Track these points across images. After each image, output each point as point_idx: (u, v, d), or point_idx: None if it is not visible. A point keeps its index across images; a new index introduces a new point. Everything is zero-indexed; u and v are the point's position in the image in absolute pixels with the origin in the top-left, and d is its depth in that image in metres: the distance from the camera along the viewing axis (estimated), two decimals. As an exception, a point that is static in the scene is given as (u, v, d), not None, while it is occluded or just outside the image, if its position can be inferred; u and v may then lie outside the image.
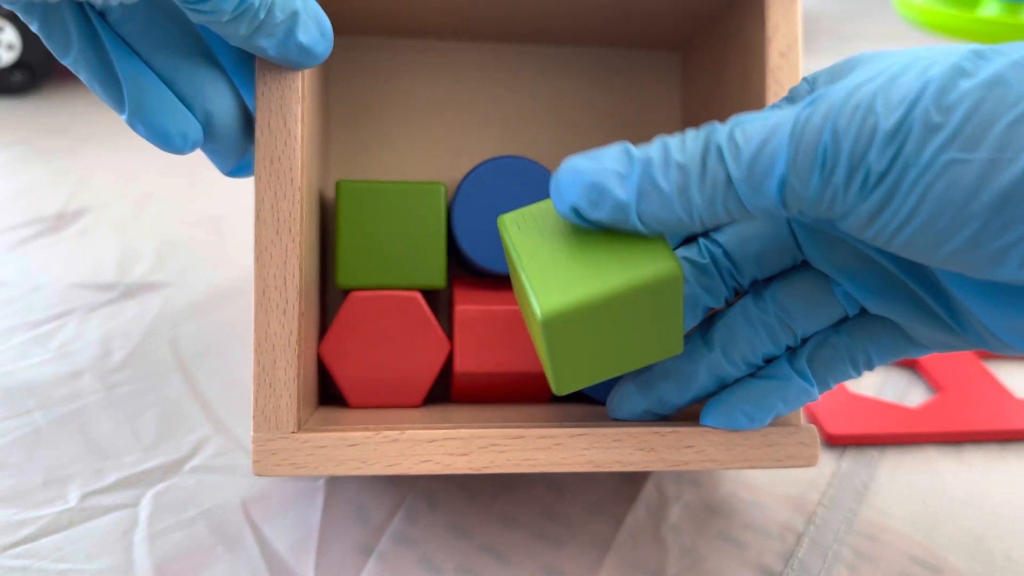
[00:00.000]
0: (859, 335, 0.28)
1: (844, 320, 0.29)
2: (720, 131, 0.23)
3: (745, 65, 0.33)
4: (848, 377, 0.29)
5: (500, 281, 0.36)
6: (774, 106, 0.25)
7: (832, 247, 0.27)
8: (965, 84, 0.20)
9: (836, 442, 0.40)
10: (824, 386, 0.29)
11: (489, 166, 0.35)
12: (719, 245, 0.29)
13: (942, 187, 0.20)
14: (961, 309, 0.25)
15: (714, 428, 0.29)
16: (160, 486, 0.35)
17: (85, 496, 0.35)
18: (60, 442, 0.37)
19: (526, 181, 0.34)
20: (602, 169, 0.24)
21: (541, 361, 0.28)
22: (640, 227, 0.24)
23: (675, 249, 0.29)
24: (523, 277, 0.25)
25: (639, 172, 0.23)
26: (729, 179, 0.22)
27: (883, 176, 0.21)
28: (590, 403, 0.36)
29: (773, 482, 0.37)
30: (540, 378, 0.34)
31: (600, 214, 0.24)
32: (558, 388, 0.27)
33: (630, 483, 0.37)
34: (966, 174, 0.20)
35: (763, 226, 0.29)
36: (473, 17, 0.36)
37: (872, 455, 0.39)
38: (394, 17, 0.37)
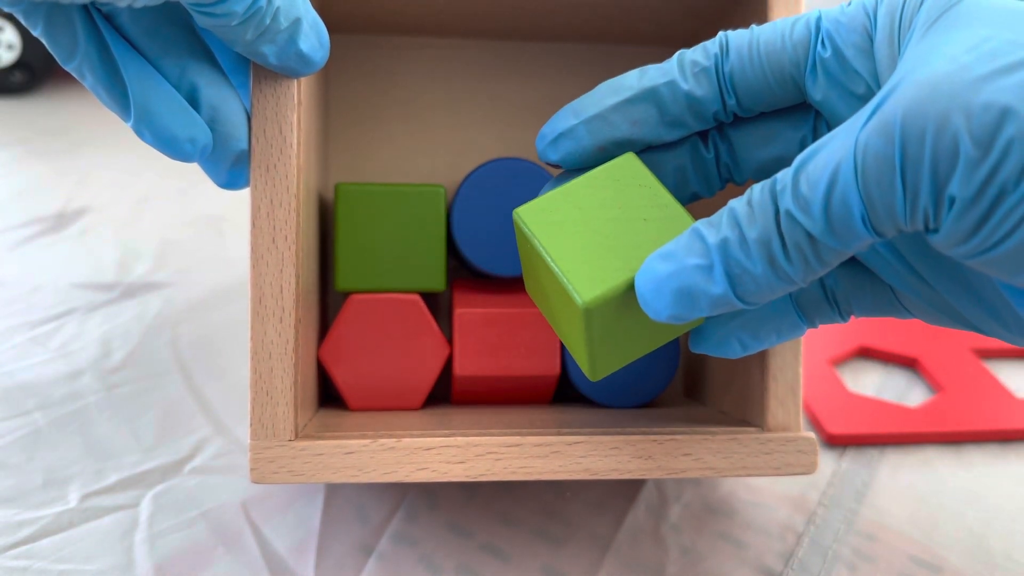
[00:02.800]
0: (845, 283, 0.27)
1: None
2: (783, 186, 0.21)
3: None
4: (833, 321, 0.28)
5: (500, 283, 0.36)
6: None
7: None
8: None
9: (836, 442, 0.40)
10: (811, 324, 0.27)
11: (488, 168, 0.34)
12: (729, 141, 0.27)
13: None
14: (995, 297, 0.23)
15: (713, 434, 0.29)
16: (160, 487, 0.35)
17: (85, 497, 0.35)
18: (60, 442, 0.37)
19: (526, 183, 0.34)
20: (682, 269, 0.22)
21: (571, 350, 0.28)
22: (744, 307, 0.22)
23: (686, 137, 0.28)
24: (555, 268, 0.25)
25: (720, 260, 0.22)
26: (811, 236, 0.21)
27: (972, 203, 0.18)
28: (591, 406, 0.36)
29: (773, 482, 0.37)
30: (540, 380, 0.34)
31: (702, 312, 0.22)
32: (593, 375, 0.27)
33: (630, 482, 0.37)
34: None
35: (781, 132, 0.27)
36: (474, 14, 0.36)
37: (872, 455, 0.39)
38: (394, 15, 0.37)
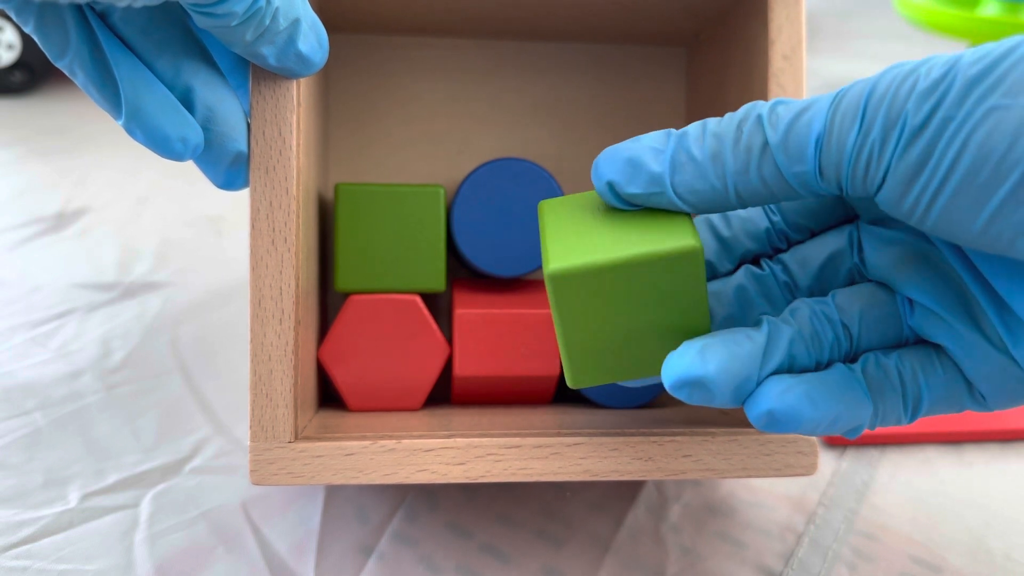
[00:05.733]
0: (913, 360, 0.25)
1: (901, 346, 0.26)
2: (762, 104, 0.23)
3: (748, 66, 0.33)
4: (897, 416, 0.25)
5: (500, 284, 0.36)
6: None
7: (890, 245, 0.26)
8: (1010, 43, 0.20)
9: (836, 442, 0.40)
10: (875, 408, 0.25)
11: (488, 168, 0.34)
12: (780, 262, 0.27)
13: (983, 135, 0.20)
14: (1017, 325, 0.23)
15: (713, 435, 0.29)
16: (160, 487, 0.35)
17: (85, 497, 0.35)
18: (60, 442, 0.37)
19: (526, 183, 0.34)
20: (640, 147, 0.24)
21: (560, 352, 0.26)
22: (675, 200, 0.24)
23: (735, 268, 0.28)
24: (544, 244, 0.24)
25: (674, 144, 0.24)
26: (765, 144, 0.22)
27: (921, 129, 0.21)
28: (590, 407, 0.36)
29: (773, 482, 0.37)
30: (540, 381, 0.34)
31: (634, 188, 0.24)
32: (573, 380, 0.26)
33: (630, 483, 0.37)
34: (1009, 119, 0.19)
35: (823, 244, 0.27)
36: (474, 14, 0.36)
37: (872, 455, 0.39)
38: (394, 15, 0.36)
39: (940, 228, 0.22)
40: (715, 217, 0.27)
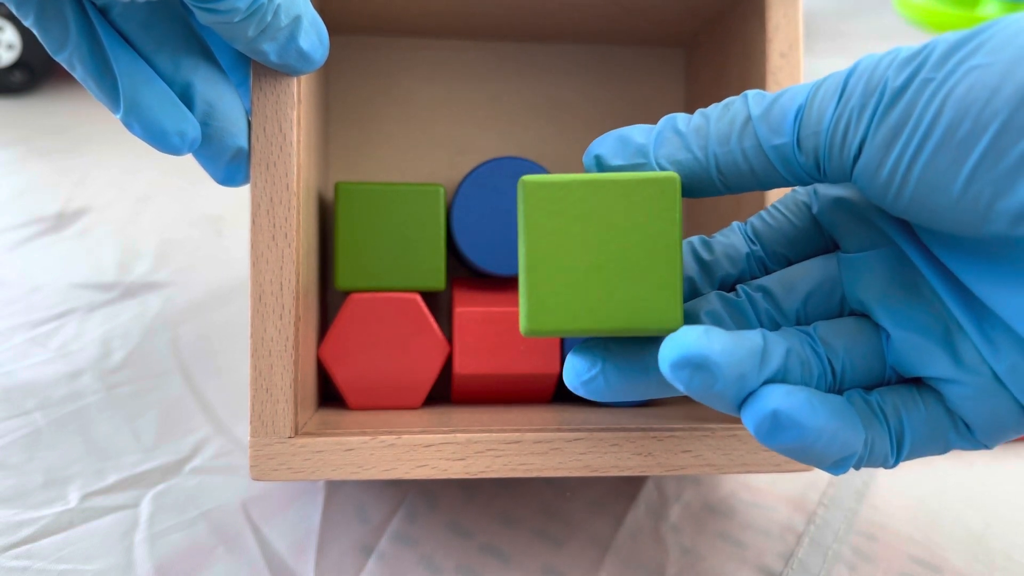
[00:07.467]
0: (895, 397, 0.24)
1: (883, 384, 0.25)
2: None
3: (746, 65, 0.33)
4: (884, 454, 0.23)
5: (500, 282, 0.36)
6: None
7: (866, 273, 0.25)
8: (989, 22, 0.21)
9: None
10: (866, 436, 0.23)
11: (489, 167, 0.35)
12: (761, 289, 0.26)
13: (963, 90, 0.20)
14: (1000, 338, 0.22)
15: (713, 431, 0.29)
16: (160, 487, 0.35)
17: (85, 497, 0.35)
18: (60, 442, 0.37)
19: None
20: (632, 127, 0.25)
21: (520, 288, 0.24)
22: (655, 166, 0.24)
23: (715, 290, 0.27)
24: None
25: (663, 123, 0.24)
26: (748, 118, 0.23)
27: (901, 92, 0.21)
28: (590, 405, 0.36)
29: (773, 482, 0.37)
30: (540, 379, 0.34)
31: (619, 160, 0.24)
32: (529, 320, 0.24)
33: (630, 482, 0.37)
34: (990, 74, 0.19)
35: (810, 269, 0.26)
36: (474, 15, 0.36)
37: (872, 455, 0.39)
38: (394, 16, 0.37)
39: (917, 201, 0.21)
40: (697, 242, 0.27)
